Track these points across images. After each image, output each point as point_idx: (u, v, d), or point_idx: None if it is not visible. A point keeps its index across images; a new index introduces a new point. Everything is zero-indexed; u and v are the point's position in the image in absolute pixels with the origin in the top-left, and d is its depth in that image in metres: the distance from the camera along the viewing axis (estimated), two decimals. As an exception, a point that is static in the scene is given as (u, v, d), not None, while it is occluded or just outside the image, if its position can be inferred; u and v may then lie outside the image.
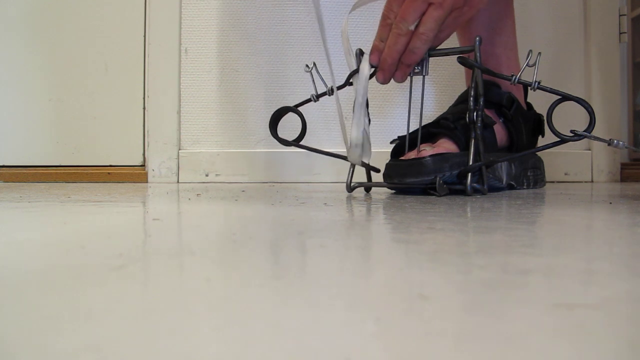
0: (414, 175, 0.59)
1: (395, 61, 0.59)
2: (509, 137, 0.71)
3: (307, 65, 0.65)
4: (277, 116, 0.68)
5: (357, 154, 0.61)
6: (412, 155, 0.61)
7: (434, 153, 0.60)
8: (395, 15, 0.58)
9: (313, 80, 0.65)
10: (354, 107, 0.61)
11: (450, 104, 0.75)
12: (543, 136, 0.76)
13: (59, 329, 0.14)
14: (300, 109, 0.68)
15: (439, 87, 1.06)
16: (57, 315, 0.15)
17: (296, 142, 0.68)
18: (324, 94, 0.66)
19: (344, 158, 0.64)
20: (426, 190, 0.61)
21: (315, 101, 0.67)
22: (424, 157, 0.59)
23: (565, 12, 1.07)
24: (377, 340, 0.13)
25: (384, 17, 0.60)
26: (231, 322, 0.14)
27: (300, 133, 0.67)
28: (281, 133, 0.68)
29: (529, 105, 0.78)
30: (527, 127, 0.73)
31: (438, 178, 0.58)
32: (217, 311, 0.16)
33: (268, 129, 0.69)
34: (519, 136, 0.72)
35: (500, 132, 0.69)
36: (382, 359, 0.12)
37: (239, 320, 0.15)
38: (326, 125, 1.03)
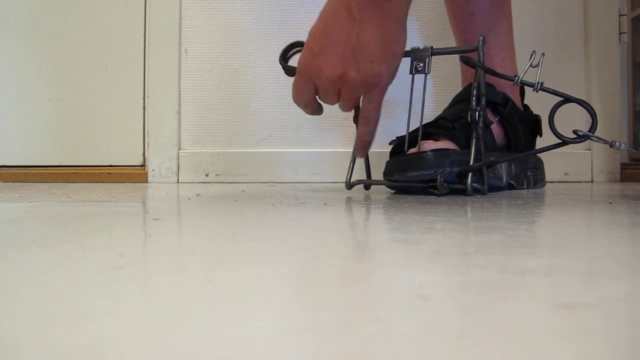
0: (415, 169, 0.58)
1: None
2: (506, 136, 0.71)
3: None
4: (289, 49, 0.64)
5: None
6: (412, 152, 0.61)
7: (436, 148, 0.60)
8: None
9: None
10: None
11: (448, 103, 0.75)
12: (541, 136, 0.76)
13: (60, 329, 0.14)
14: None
15: (438, 87, 1.06)
16: (58, 315, 0.15)
17: None
18: None
19: None
20: (426, 189, 0.61)
21: None
22: (425, 151, 0.59)
23: (565, 12, 1.07)
24: (377, 340, 0.13)
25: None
26: (231, 322, 0.14)
27: None
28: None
29: (526, 107, 0.78)
30: (524, 127, 0.73)
31: (439, 175, 0.57)
32: (217, 311, 0.16)
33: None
34: (516, 135, 0.72)
35: (496, 130, 0.69)
36: (382, 359, 0.12)
37: (239, 320, 0.15)
38: (329, 126, 1.03)
